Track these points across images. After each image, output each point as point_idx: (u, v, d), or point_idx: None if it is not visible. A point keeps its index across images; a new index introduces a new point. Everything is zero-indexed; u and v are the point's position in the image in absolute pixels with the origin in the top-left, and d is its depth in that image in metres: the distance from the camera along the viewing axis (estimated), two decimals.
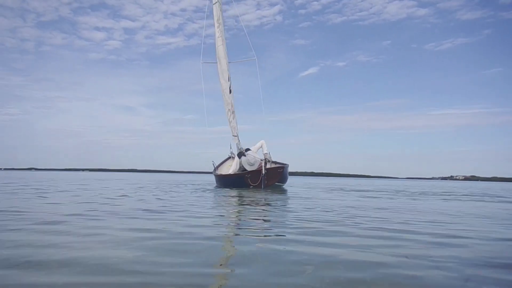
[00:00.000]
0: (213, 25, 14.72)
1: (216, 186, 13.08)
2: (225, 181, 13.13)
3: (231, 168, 13.23)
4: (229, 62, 14.54)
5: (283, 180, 12.88)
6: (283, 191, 10.79)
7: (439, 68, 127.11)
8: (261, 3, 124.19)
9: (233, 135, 14.57)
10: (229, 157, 14.90)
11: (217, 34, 14.52)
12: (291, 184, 16.59)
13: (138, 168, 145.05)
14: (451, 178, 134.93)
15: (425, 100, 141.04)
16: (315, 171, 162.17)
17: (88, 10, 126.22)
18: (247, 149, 13.05)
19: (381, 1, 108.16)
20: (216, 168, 14.73)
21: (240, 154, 12.76)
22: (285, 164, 12.77)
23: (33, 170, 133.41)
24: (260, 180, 11.67)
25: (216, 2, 14.53)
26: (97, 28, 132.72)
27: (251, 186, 11.87)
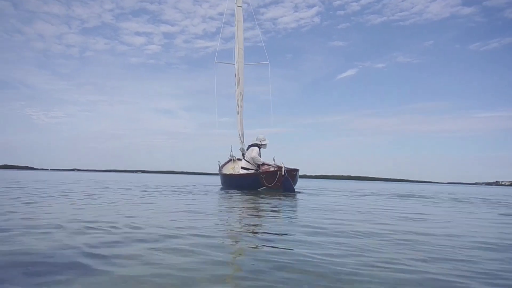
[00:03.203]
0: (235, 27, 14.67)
1: (222, 188, 12.39)
2: (235, 182, 12.51)
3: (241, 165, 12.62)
4: (244, 64, 14.54)
5: (294, 184, 12.01)
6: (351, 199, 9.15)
7: (485, 69, 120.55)
8: (299, 5, 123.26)
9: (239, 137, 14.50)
10: (230, 160, 14.20)
11: (236, 34, 14.71)
12: (336, 188, 15.61)
13: (175, 170, 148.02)
14: (496, 183, 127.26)
15: (469, 102, 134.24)
16: (352, 175, 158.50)
17: (130, 16, 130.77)
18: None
19: (423, 0, 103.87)
20: (220, 168, 14.11)
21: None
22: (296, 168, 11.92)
23: (76, 171, 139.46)
24: (276, 181, 10.91)
25: (240, 6, 14.55)
26: (138, 33, 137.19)
27: (264, 188, 11.12)
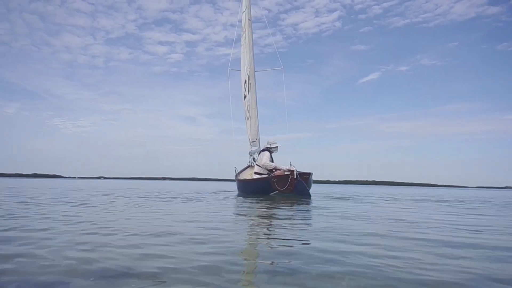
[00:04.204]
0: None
1: (238, 194, 12.35)
2: (248, 187, 12.45)
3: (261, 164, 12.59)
4: (255, 71, 14.68)
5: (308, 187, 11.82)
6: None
7: None
8: (320, 10, 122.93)
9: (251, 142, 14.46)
10: (248, 166, 14.14)
11: (242, 42, 14.98)
12: (368, 193, 15.28)
13: (198, 177, 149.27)
14: None
15: (497, 104, 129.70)
16: (377, 180, 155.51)
17: (152, 26, 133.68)
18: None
19: (448, 1, 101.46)
20: (237, 175, 14.12)
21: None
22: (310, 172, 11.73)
23: (102, 178, 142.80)
24: (288, 185, 10.69)
25: (244, 11, 14.65)
26: (161, 43, 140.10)
27: (277, 192, 10.91)
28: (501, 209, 8.57)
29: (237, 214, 5.73)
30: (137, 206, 6.73)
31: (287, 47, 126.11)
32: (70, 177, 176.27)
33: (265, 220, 4.76)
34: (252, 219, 4.88)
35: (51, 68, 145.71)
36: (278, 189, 10.89)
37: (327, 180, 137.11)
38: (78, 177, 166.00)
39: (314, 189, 12.82)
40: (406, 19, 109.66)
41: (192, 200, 9.03)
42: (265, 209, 6.33)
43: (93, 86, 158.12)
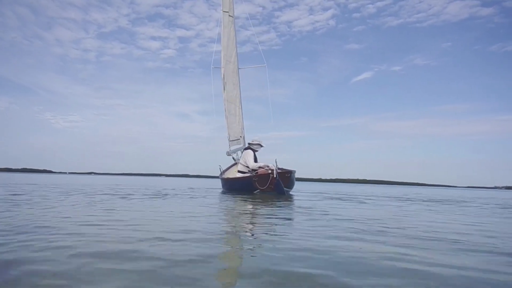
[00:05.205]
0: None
1: (223, 192, 12.24)
2: (231, 185, 12.57)
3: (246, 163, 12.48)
4: (239, 68, 14.85)
5: (290, 185, 11.76)
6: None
7: (506, 70, 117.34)
8: (314, 8, 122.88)
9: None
10: (235, 163, 14.13)
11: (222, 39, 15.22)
12: (361, 193, 15.13)
13: (190, 174, 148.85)
14: None
15: (489, 104, 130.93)
16: (368, 178, 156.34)
17: (145, 21, 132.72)
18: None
19: (441, 1, 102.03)
20: (222, 173, 14.09)
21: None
22: (293, 170, 11.67)
23: (93, 174, 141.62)
24: (268, 184, 10.69)
25: (227, 11, 14.75)
26: (154, 38, 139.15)
27: (258, 190, 10.91)
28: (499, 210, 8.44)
29: (182, 212, 5.51)
30: (91, 205, 5.91)
31: (281, 44, 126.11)
32: (60, 172, 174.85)
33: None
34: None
35: (42, 62, 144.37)
36: (259, 188, 10.90)
37: (319, 178, 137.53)
38: (69, 172, 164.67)
39: (307, 188, 12.77)
40: (400, 19, 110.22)
41: (159, 197, 8.53)
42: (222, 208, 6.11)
43: (85, 81, 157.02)
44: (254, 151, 12.13)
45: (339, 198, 10.61)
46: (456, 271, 2.19)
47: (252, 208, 6.22)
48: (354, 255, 2.54)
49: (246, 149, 12.43)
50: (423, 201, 11.31)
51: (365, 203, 8.88)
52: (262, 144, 12.29)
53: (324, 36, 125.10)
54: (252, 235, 3.40)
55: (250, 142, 12.44)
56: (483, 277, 2.08)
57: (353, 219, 4.77)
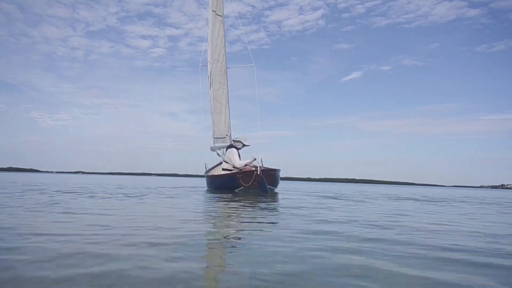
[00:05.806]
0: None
1: (208, 190, 12.25)
2: (215, 182, 12.73)
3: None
4: (227, 68, 15.03)
5: (275, 183, 11.88)
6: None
7: (492, 71, 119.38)
8: (304, 7, 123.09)
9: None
10: (222, 162, 14.14)
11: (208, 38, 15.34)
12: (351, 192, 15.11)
13: (179, 173, 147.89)
14: (502, 186, 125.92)
15: (475, 104, 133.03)
16: (356, 178, 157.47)
17: (135, 19, 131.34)
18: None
19: (429, 2, 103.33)
20: (208, 171, 14.18)
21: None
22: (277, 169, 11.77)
23: (81, 173, 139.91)
24: (252, 181, 10.81)
25: (213, 11, 14.90)
26: (143, 37, 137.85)
27: (242, 188, 11.03)
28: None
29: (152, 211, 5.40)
30: (56, 204, 5.51)
31: (271, 44, 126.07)
32: (47, 172, 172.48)
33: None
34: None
35: (29, 59, 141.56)
36: (243, 184, 11.01)
37: (307, 178, 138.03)
38: (56, 172, 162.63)
39: (294, 187, 12.77)
40: (388, 19, 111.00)
41: (137, 196, 8.34)
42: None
43: (72, 79, 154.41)
44: (237, 149, 12.23)
45: (330, 197, 10.58)
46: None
47: (226, 207, 6.13)
48: (340, 257, 2.46)
49: (229, 147, 12.53)
50: (428, 201, 11.33)
51: (364, 202, 8.83)
52: (245, 143, 12.33)
53: (314, 36, 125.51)
54: (225, 237, 3.30)
55: (234, 139, 12.62)
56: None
57: (354, 220, 4.71)
